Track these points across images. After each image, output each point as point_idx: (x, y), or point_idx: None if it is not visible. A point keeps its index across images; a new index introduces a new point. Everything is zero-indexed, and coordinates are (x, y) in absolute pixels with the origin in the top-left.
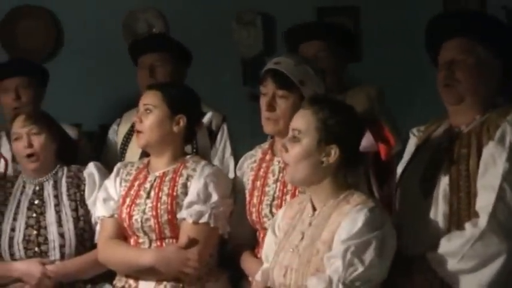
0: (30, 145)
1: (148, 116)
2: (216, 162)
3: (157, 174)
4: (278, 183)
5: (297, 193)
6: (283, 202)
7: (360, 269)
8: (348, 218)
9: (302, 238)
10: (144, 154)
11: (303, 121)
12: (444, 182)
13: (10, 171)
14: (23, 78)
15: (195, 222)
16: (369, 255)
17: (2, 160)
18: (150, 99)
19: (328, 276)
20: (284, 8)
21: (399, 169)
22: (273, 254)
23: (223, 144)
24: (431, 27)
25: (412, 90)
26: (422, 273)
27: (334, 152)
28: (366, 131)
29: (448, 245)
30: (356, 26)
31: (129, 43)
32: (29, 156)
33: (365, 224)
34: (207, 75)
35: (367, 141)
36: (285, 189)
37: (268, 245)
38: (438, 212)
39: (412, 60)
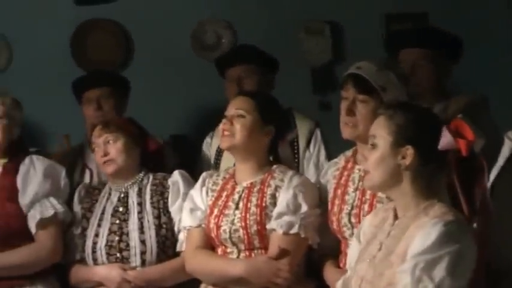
0: (106, 153)
1: (241, 120)
2: (311, 166)
3: (245, 184)
4: (357, 192)
5: (374, 202)
6: (361, 211)
7: (430, 286)
8: (422, 232)
9: (380, 249)
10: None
11: (377, 126)
12: None
13: (95, 181)
14: (105, 89)
15: (286, 233)
16: (439, 272)
17: (88, 171)
18: (243, 105)
19: None
20: (352, 16)
21: (492, 175)
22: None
23: (317, 148)
24: None
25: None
26: None
27: (409, 154)
28: (442, 129)
29: None
30: None
31: (216, 58)
32: (105, 162)
33: (438, 239)
34: (277, 84)
35: (445, 138)
36: (363, 198)
37: (352, 253)
38: None
39: (482, 64)
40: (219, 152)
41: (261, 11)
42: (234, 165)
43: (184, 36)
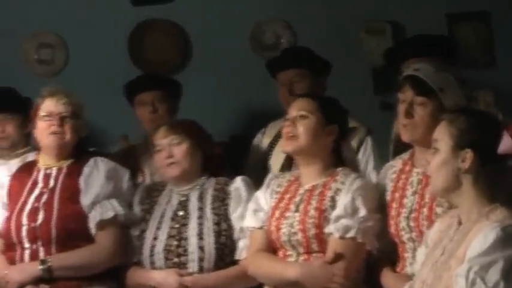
0: (170, 155)
1: (303, 121)
2: None
3: (307, 187)
4: (416, 196)
5: (433, 206)
6: (420, 215)
7: None
8: (480, 235)
9: (442, 253)
10: (287, 163)
11: (440, 131)
12: None
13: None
14: (158, 92)
15: (342, 237)
16: (493, 276)
17: (140, 173)
18: (305, 106)
19: None
20: (413, 15)
21: None
22: None
23: (366, 157)
24: None
25: None
26: None
27: (468, 157)
28: (503, 134)
29: None
30: (488, 31)
31: (266, 62)
32: (170, 164)
33: (494, 243)
34: (337, 85)
35: (505, 142)
36: (422, 202)
37: (420, 259)
38: None
39: None
40: (270, 148)
41: (320, 10)
42: (283, 165)
43: (243, 36)
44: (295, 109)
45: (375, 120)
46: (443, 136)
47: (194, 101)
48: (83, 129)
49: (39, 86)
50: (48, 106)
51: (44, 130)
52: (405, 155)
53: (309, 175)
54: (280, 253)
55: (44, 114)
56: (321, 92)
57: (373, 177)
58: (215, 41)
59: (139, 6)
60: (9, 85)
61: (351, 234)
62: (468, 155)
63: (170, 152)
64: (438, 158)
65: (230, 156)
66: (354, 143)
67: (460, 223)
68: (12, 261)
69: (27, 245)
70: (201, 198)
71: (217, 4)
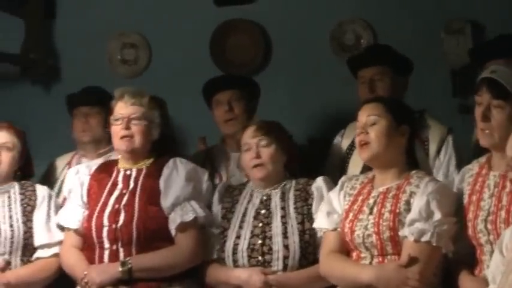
0: (258, 156)
1: (374, 127)
2: (440, 176)
3: (380, 190)
4: (493, 198)
5: (511, 209)
6: (498, 218)
7: None
8: None
9: None
10: (368, 166)
11: (509, 145)
12: None
13: None
14: (235, 91)
15: (417, 241)
16: None
17: (217, 175)
18: (373, 111)
19: None
20: (494, 15)
21: None
22: (500, 275)
23: (448, 157)
24: None
25: None
26: None
27: None
28: None
29: None
30: None
31: (347, 59)
32: (256, 166)
33: None
34: (416, 86)
35: None
36: (499, 205)
37: (495, 266)
38: None
39: None
40: (349, 151)
41: (401, 11)
42: (363, 169)
43: (323, 36)
44: (364, 115)
45: (454, 122)
46: None
47: (274, 102)
48: (155, 131)
49: (123, 86)
50: (118, 109)
51: (115, 134)
52: (482, 159)
53: (384, 178)
54: (354, 255)
55: (115, 117)
56: (402, 92)
57: (456, 177)
58: (296, 42)
59: (221, 7)
60: (94, 85)
61: (425, 238)
62: None
63: (258, 152)
64: None
65: (309, 158)
66: (434, 142)
67: None
68: (91, 261)
69: (107, 245)
70: (283, 198)
71: (298, 5)
